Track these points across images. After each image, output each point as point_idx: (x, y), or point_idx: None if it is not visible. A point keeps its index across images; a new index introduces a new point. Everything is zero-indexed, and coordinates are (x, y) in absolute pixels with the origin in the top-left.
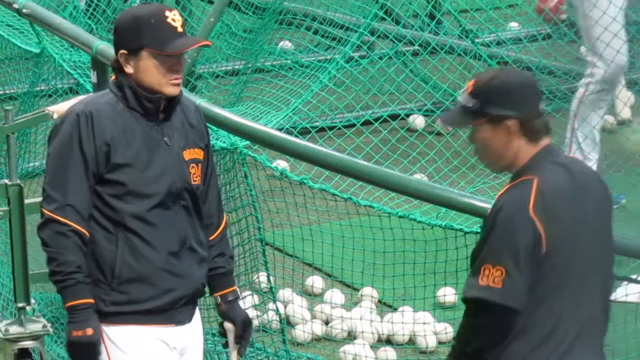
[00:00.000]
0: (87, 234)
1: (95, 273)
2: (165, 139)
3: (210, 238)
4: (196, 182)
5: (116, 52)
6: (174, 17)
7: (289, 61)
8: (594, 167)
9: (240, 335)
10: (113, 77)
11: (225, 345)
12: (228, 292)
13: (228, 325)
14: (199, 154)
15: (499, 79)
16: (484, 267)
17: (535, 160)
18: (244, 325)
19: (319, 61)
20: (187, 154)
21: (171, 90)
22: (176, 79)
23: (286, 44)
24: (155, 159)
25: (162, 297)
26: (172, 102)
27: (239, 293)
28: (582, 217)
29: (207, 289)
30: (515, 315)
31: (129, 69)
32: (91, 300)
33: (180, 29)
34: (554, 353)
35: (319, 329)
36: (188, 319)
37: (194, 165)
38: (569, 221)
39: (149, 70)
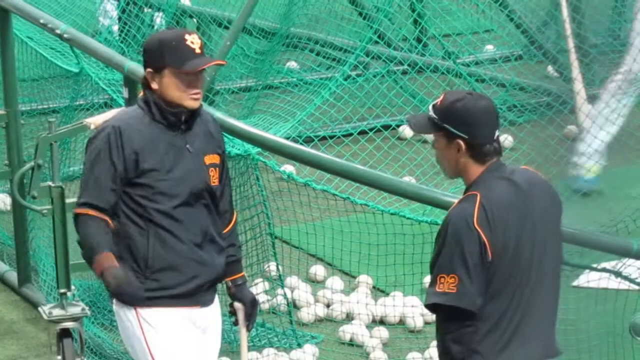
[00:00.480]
0: (110, 221)
1: (131, 264)
2: (188, 146)
3: (224, 231)
4: (215, 184)
5: (144, 70)
6: (193, 40)
7: (294, 79)
8: (602, 144)
9: (249, 313)
10: (141, 94)
11: (235, 323)
12: (237, 277)
13: (238, 305)
14: (216, 159)
15: (461, 103)
16: (439, 277)
17: (481, 177)
18: (252, 305)
19: (321, 79)
20: (208, 159)
21: (191, 104)
22: (195, 93)
23: (292, 64)
24: (179, 163)
25: (188, 282)
26: (194, 114)
27: (246, 278)
28: (526, 223)
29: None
30: (469, 314)
31: (154, 85)
32: (116, 265)
33: (198, 50)
34: (499, 340)
35: (321, 311)
36: (210, 301)
37: (212, 168)
38: (512, 229)
39: (170, 86)
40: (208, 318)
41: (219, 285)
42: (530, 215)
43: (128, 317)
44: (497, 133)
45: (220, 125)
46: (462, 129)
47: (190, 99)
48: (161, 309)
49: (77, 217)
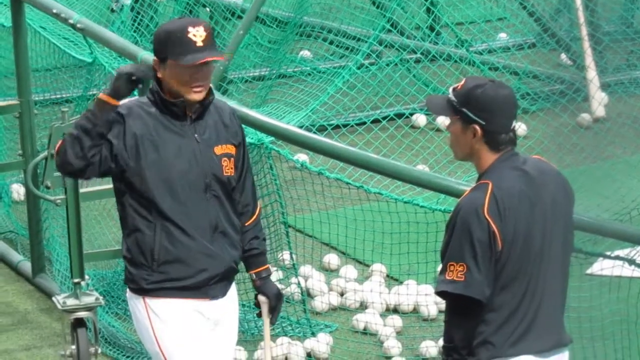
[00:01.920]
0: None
1: (139, 257)
2: (196, 135)
3: (247, 223)
4: (228, 174)
5: (154, 57)
6: (196, 32)
7: (308, 68)
8: None
9: (273, 307)
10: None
11: (259, 315)
12: (262, 269)
13: (262, 298)
14: (230, 149)
15: (482, 89)
16: (449, 264)
17: (494, 166)
18: (276, 298)
19: (334, 68)
20: (219, 149)
21: (192, 97)
22: (197, 86)
23: (305, 53)
24: (185, 153)
25: (196, 275)
26: (204, 104)
27: (271, 270)
28: (537, 213)
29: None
30: (479, 304)
31: (160, 74)
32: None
33: (200, 44)
34: (514, 331)
35: (335, 300)
36: (221, 294)
37: (225, 159)
38: (522, 219)
39: (172, 77)
40: (219, 311)
41: (239, 276)
42: (541, 205)
43: (137, 307)
44: (514, 123)
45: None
46: (480, 115)
47: (191, 92)
48: (169, 300)
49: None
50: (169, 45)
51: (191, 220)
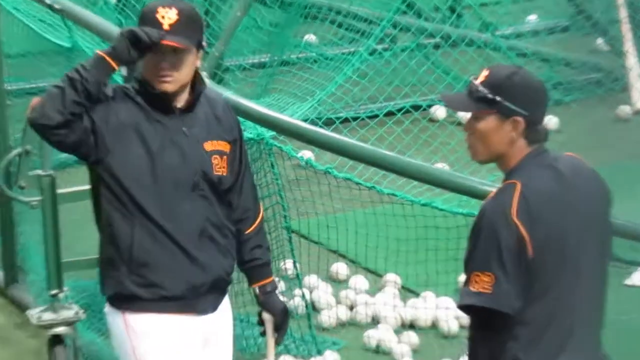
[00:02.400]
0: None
1: (114, 256)
2: (184, 129)
3: (247, 231)
4: (219, 173)
5: None
6: (165, 14)
7: (313, 54)
8: None
9: (279, 325)
10: None
11: (263, 334)
12: (266, 283)
13: (266, 316)
14: (223, 146)
15: (520, 76)
16: (473, 274)
17: (522, 164)
18: (283, 316)
19: (343, 54)
20: (209, 145)
21: (160, 87)
22: (162, 76)
23: (311, 37)
24: (171, 148)
25: (179, 284)
26: (194, 94)
27: (276, 284)
28: (571, 216)
29: (232, 277)
30: (507, 319)
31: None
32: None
33: (166, 27)
34: (548, 347)
35: (343, 314)
36: (211, 308)
37: (216, 156)
38: (555, 223)
39: (144, 64)
40: (210, 327)
41: (237, 287)
42: (575, 207)
43: (116, 323)
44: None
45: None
46: (523, 104)
47: (158, 81)
48: (151, 315)
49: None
50: (139, 26)
51: (175, 222)
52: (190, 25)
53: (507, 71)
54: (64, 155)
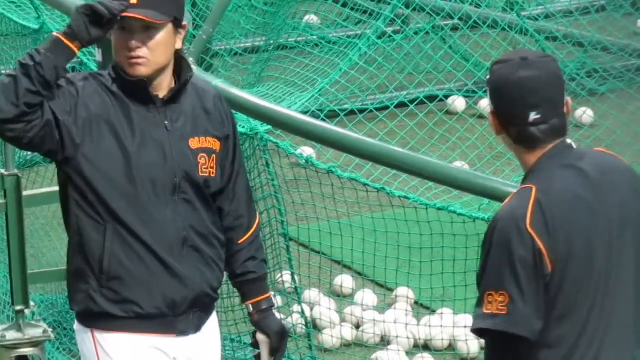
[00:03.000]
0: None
1: (83, 267)
2: (167, 122)
3: (240, 241)
4: (205, 174)
5: None
6: None
7: (315, 37)
8: None
9: (275, 347)
10: None
11: (257, 357)
12: (261, 299)
13: (261, 337)
14: (212, 143)
15: (499, 66)
16: (487, 294)
17: (539, 165)
18: (280, 337)
19: (348, 37)
20: (195, 142)
21: (131, 71)
22: (132, 57)
23: (312, 18)
24: (150, 144)
25: (156, 300)
26: (179, 83)
27: (273, 301)
28: (600, 223)
29: (219, 292)
30: (529, 341)
31: None
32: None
33: (134, 1)
34: None
35: (348, 333)
36: (193, 328)
37: (203, 154)
38: (580, 232)
39: (113, 46)
40: (192, 350)
41: (227, 302)
42: (604, 212)
43: (85, 342)
44: (534, 114)
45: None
46: (491, 98)
47: (128, 64)
48: (123, 335)
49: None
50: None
51: (152, 230)
52: (168, 1)
53: (500, 58)
54: (31, 152)
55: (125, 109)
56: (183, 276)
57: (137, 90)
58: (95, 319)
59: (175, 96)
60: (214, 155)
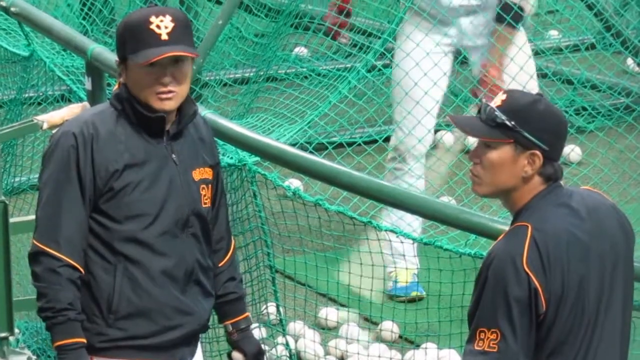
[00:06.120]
0: (82, 269)
1: (90, 307)
2: (174, 156)
3: (220, 264)
4: (207, 205)
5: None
6: (160, 23)
7: (304, 69)
8: None
9: None
10: (116, 87)
11: None
12: (240, 319)
13: (237, 356)
14: (208, 173)
15: (543, 105)
16: (478, 331)
17: (534, 203)
18: (257, 357)
19: (338, 70)
20: (197, 174)
21: (159, 105)
22: (163, 92)
23: (302, 51)
24: (161, 180)
25: (163, 334)
26: (184, 115)
27: (251, 320)
28: (592, 261)
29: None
30: None
31: (122, 79)
32: (82, 340)
33: (165, 37)
34: None
35: None
36: (190, 355)
37: (204, 186)
38: (574, 270)
39: (136, 81)
40: None
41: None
42: (597, 251)
43: None
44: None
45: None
46: (543, 137)
47: (157, 100)
48: None
49: (39, 254)
50: (127, 40)
51: (162, 265)
52: (187, 31)
53: (529, 98)
54: (18, 180)
55: (137, 144)
56: (189, 310)
57: (152, 125)
58: (96, 349)
59: (182, 131)
60: (210, 185)
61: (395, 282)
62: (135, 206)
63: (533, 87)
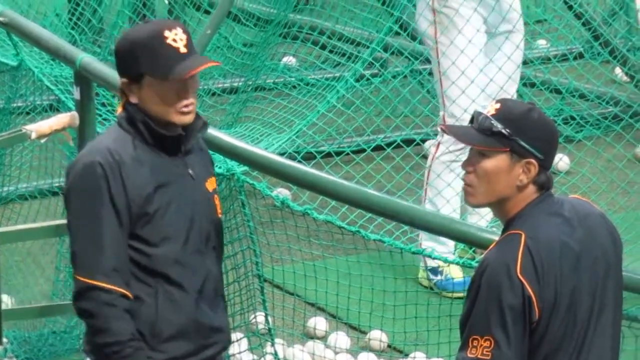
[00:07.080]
0: (131, 296)
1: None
2: (190, 171)
3: None
4: (220, 215)
5: (121, 77)
6: (175, 37)
7: (293, 79)
8: None
9: None
10: (120, 110)
11: None
12: None
13: None
14: (215, 182)
15: (537, 113)
16: (471, 339)
17: (526, 211)
18: None
19: (327, 79)
20: (209, 185)
21: (181, 119)
22: (185, 106)
23: (290, 60)
24: (186, 197)
25: (201, 352)
26: (194, 128)
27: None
28: (583, 269)
29: None
30: None
31: (133, 99)
32: None
33: (183, 49)
34: None
35: None
36: None
37: (216, 196)
38: (566, 278)
39: (153, 99)
40: None
41: None
42: (589, 259)
43: None
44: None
45: None
46: (539, 146)
47: (179, 114)
48: None
49: (89, 290)
50: (143, 57)
51: (196, 283)
52: (192, 41)
53: (523, 107)
54: (6, 189)
55: (159, 164)
56: (221, 327)
57: (170, 143)
58: None
59: (193, 145)
60: (218, 195)
61: (448, 276)
62: (169, 227)
63: (511, 90)
